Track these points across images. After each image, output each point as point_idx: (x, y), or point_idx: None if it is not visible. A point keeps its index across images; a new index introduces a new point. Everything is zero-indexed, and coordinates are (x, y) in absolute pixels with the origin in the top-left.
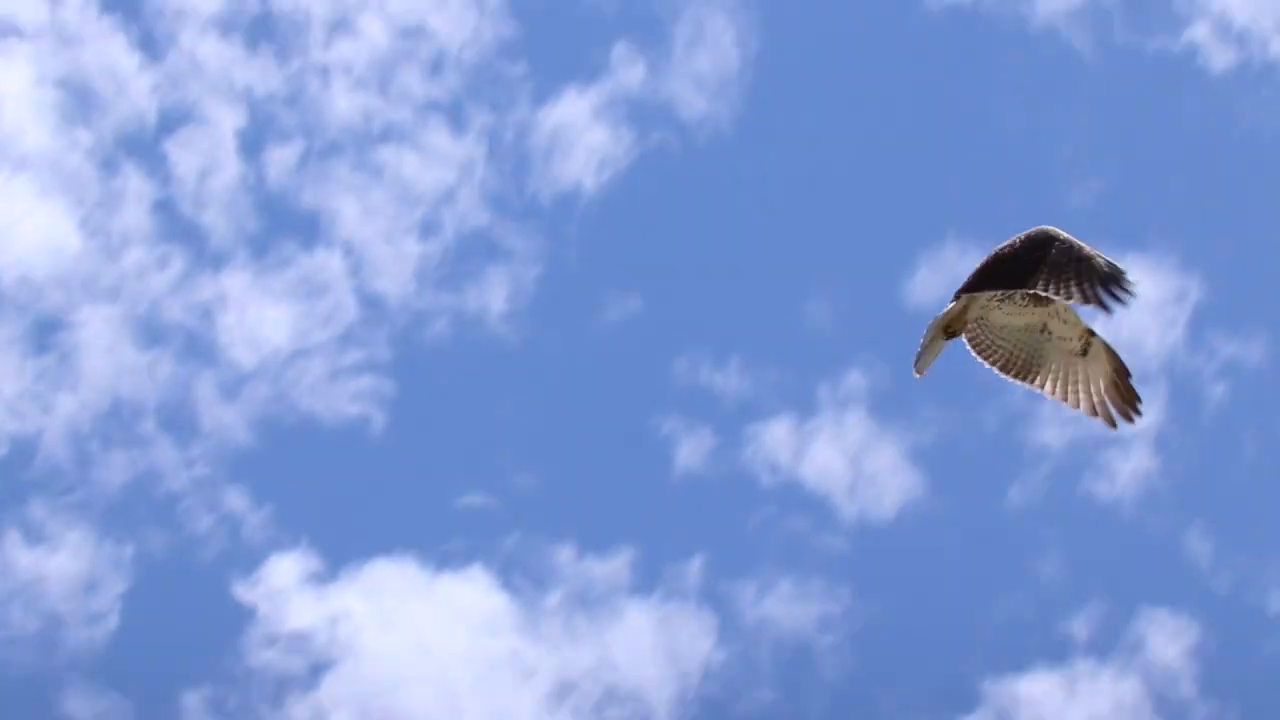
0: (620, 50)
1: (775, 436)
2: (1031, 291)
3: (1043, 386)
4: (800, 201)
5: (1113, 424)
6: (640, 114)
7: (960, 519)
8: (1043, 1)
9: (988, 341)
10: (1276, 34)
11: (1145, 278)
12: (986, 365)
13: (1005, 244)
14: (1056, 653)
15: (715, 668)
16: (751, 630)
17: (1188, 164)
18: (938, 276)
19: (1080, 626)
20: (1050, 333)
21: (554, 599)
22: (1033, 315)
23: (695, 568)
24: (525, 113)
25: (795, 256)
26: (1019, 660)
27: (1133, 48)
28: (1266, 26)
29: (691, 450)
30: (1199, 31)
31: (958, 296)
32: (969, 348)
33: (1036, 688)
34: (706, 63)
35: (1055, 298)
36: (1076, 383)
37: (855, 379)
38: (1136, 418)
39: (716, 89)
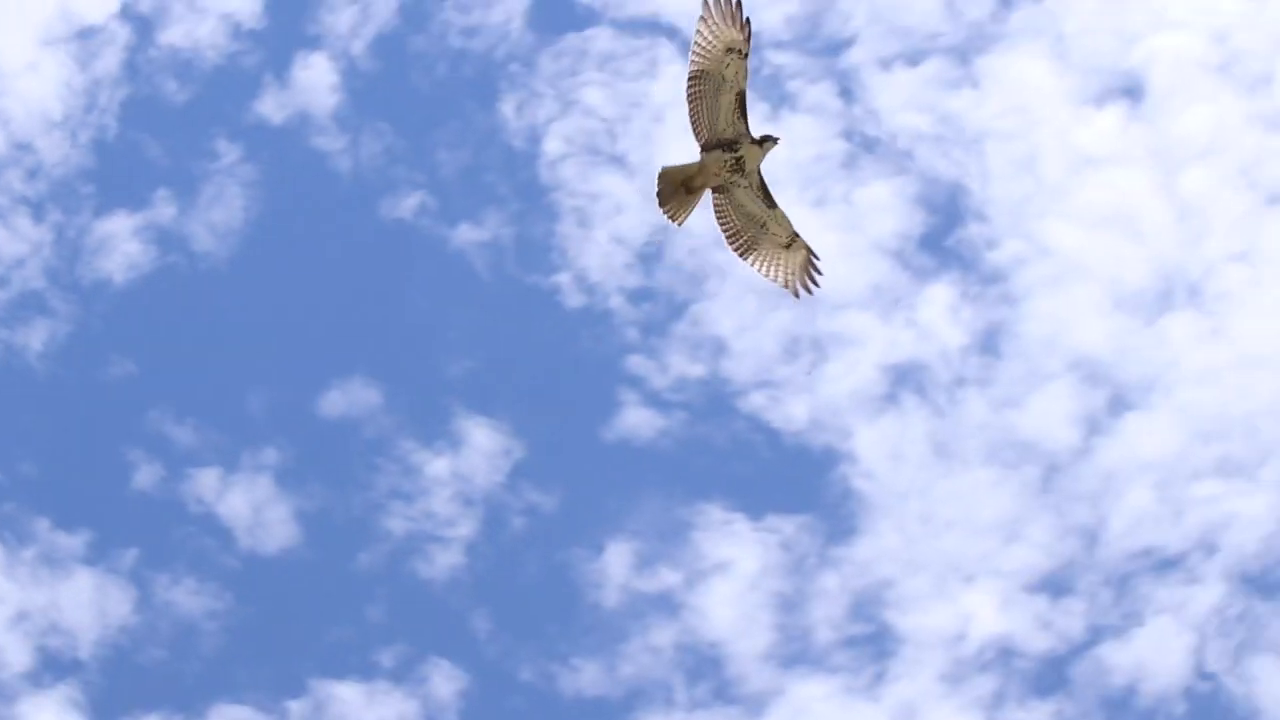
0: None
1: None
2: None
3: (753, 264)
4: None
5: (796, 295)
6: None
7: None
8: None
9: (727, 212)
10: None
11: None
12: (720, 229)
13: None
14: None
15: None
16: None
17: None
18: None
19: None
20: (766, 228)
21: None
22: (759, 209)
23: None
24: None
25: None
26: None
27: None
28: None
29: None
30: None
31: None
32: (713, 211)
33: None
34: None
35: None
36: (778, 266)
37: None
38: (815, 287)
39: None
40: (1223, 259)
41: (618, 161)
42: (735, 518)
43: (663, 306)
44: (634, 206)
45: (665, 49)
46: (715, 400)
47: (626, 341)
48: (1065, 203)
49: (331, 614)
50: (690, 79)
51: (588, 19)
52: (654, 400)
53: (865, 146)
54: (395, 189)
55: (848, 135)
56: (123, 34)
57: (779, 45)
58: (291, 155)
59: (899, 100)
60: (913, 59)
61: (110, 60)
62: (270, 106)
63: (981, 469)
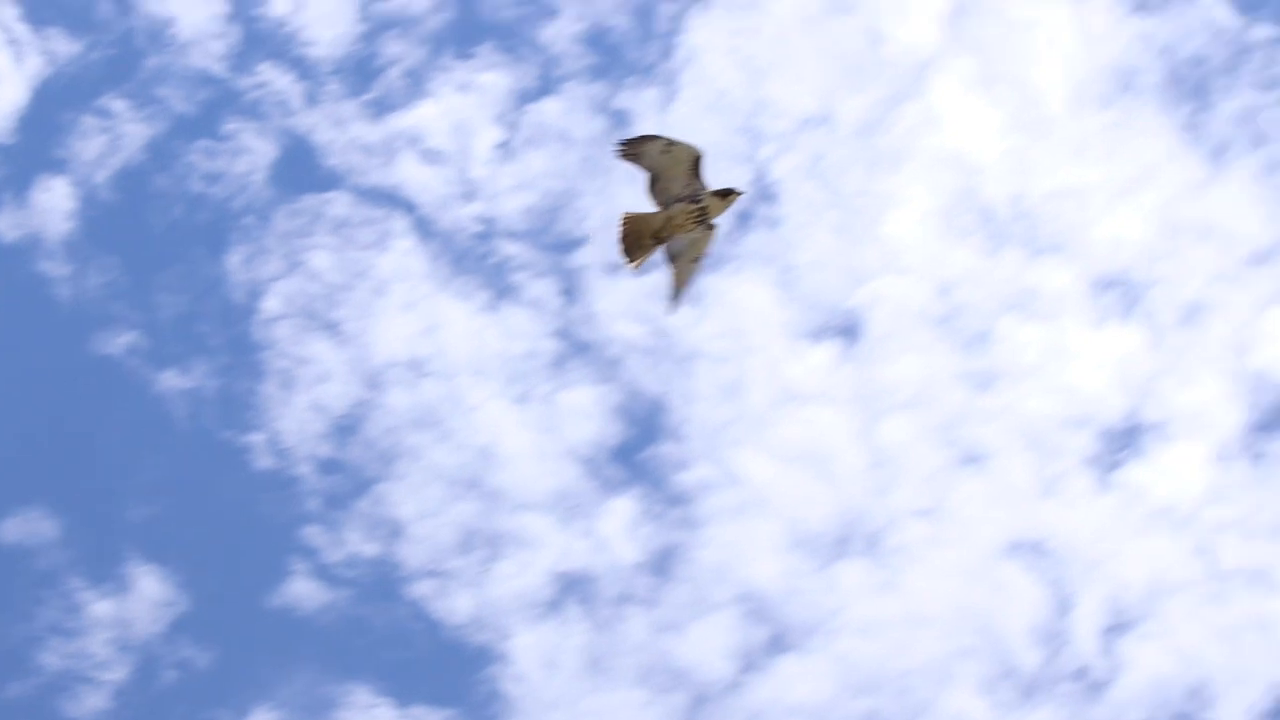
0: None
1: None
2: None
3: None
4: None
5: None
6: None
7: None
8: None
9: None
10: None
11: None
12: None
13: None
14: None
15: None
16: None
17: None
18: None
19: None
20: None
21: None
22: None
23: None
24: None
25: None
26: None
27: None
28: None
29: None
30: None
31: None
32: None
33: None
34: None
35: None
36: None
37: None
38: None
39: None
40: (907, 513)
41: (332, 329)
42: (382, 702)
43: (349, 481)
44: (340, 376)
45: (400, 222)
46: (383, 582)
47: (307, 511)
48: (763, 434)
49: None
50: (648, 178)
51: (329, 182)
52: (323, 573)
53: (577, 349)
54: (111, 324)
55: (562, 335)
56: None
57: (512, 235)
58: (15, 275)
59: (618, 307)
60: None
61: None
62: (4, 224)
63: (632, 690)
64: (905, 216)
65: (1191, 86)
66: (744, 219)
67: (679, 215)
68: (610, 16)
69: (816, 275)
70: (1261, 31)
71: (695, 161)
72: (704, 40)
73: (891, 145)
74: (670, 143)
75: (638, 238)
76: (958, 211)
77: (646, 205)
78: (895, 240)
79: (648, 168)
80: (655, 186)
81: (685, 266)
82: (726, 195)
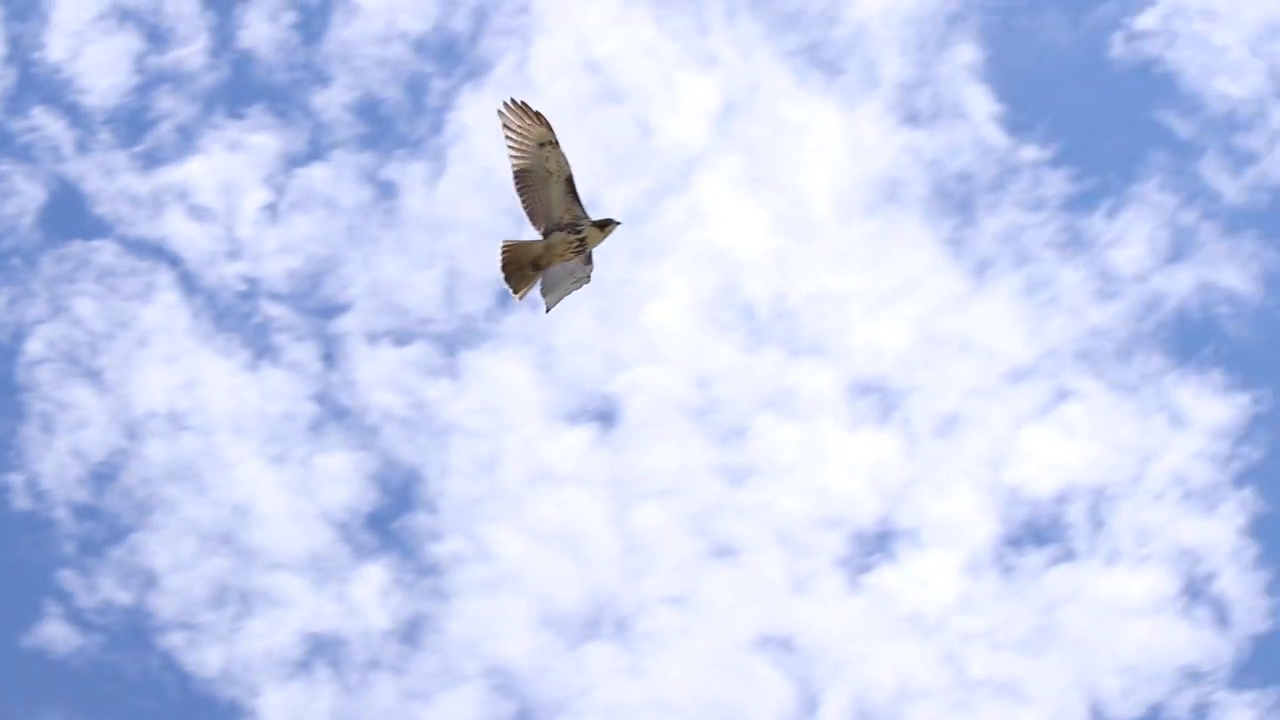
0: None
1: None
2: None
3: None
4: None
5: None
6: None
7: None
8: None
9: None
10: None
11: None
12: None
13: None
14: None
15: None
16: None
17: None
18: None
19: None
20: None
21: None
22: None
23: None
24: None
25: None
26: None
27: None
28: None
29: None
30: None
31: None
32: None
33: None
34: None
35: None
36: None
37: None
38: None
39: None
40: (658, 600)
41: (93, 376)
42: None
43: (105, 528)
44: (99, 423)
45: (165, 275)
46: (136, 631)
47: (63, 554)
48: (516, 512)
49: None
50: (516, 177)
51: (97, 230)
52: (76, 618)
53: (335, 414)
54: None
55: (320, 399)
56: None
57: (275, 296)
58: None
59: (378, 376)
60: (401, 339)
61: None
62: None
63: None
64: (667, 307)
65: (957, 201)
66: (505, 298)
67: (559, 245)
68: (383, 88)
69: (576, 358)
70: (1029, 153)
71: (570, 181)
72: (475, 118)
73: (656, 236)
74: (556, 142)
75: (518, 266)
76: (719, 307)
77: (524, 232)
78: (656, 330)
79: (523, 159)
80: (531, 197)
81: (563, 288)
82: (605, 225)
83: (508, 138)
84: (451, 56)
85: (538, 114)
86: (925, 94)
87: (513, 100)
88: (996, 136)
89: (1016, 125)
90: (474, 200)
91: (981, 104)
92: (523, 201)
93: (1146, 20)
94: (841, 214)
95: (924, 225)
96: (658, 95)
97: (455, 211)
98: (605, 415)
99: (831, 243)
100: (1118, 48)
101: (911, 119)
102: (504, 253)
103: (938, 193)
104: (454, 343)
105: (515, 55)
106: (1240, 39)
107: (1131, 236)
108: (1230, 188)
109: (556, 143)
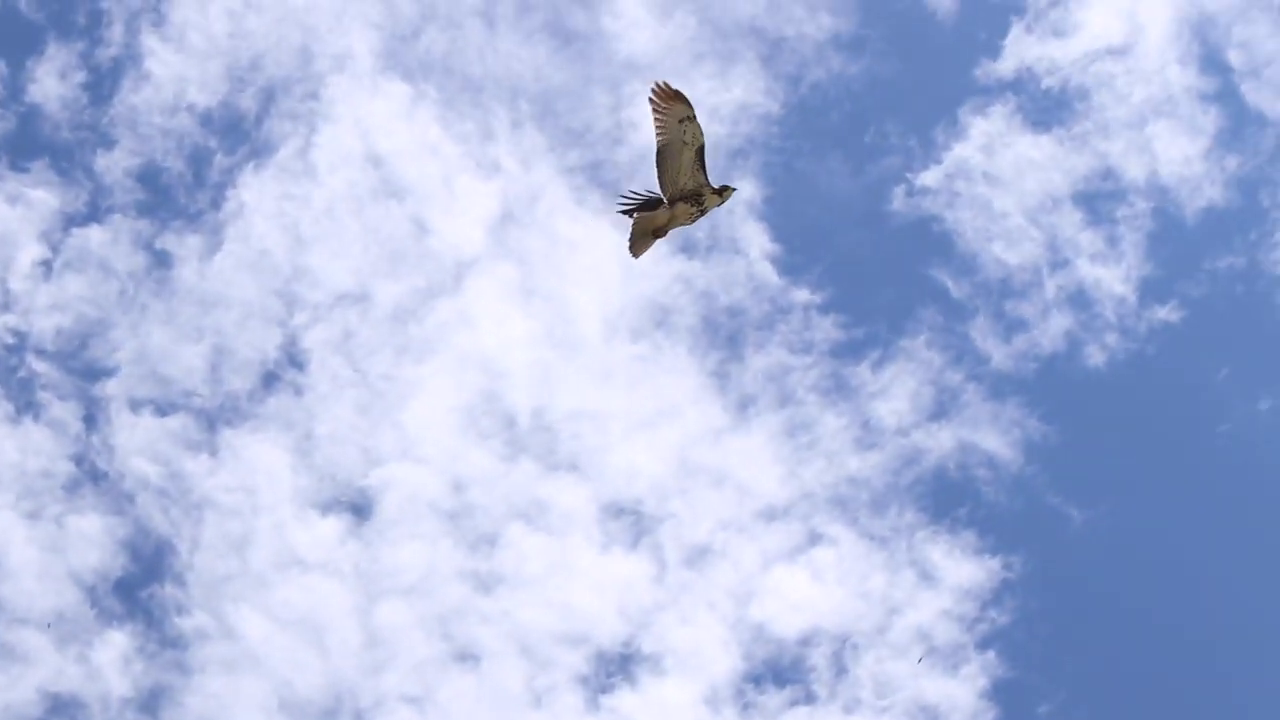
0: None
1: None
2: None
3: None
4: None
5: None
6: None
7: None
8: None
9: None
10: None
11: None
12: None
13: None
14: None
15: None
16: None
17: None
18: None
19: None
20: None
21: None
22: None
23: None
24: None
25: None
26: None
27: None
28: None
29: None
30: None
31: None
32: None
33: None
34: None
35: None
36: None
37: None
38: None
39: None
40: (396, 697)
41: None
42: None
43: None
44: None
45: None
46: None
47: None
48: (263, 594)
49: None
50: (657, 152)
51: None
52: None
53: (92, 477)
54: None
55: (79, 460)
56: None
57: (42, 353)
58: None
59: (138, 443)
60: (163, 409)
61: None
62: None
63: None
64: (428, 408)
65: (726, 336)
66: (269, 380)
67: (681, 214)
68: (166, 157)
69: (334, 449)
70: (801, 295)
71: (700, 150)
72: (254, 198)
73: (423, 336)
74: (693, 116)
75: (643, 233)
76: (480, 413)
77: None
78: (416, 429)
79: (664, 134)
80: (664, 167)
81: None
82: (723, 191)
83: (655, 117)
84: (237, 134)
85: (678, 92)
86: (703, 225)
87: (660, 83)
88: (770, 275)
89: (791, 266)
90: (246, 279)
91: (758, 241)
92: (658, 173)
93: (930, 178)
94: (609, 334)
95: (690, 355)
96: (437, 196)
97: (227, 288)
98: (358, 508)
99: (597, 362)
100: (899, 201)
101: (688, 249)
102: (635, 225)
103: (707, 324)
104: (215, 419)
105: (300, 140)
106: (1020, 207)
107: (896, 390)
108: (998, 352)
109: (694, 117)
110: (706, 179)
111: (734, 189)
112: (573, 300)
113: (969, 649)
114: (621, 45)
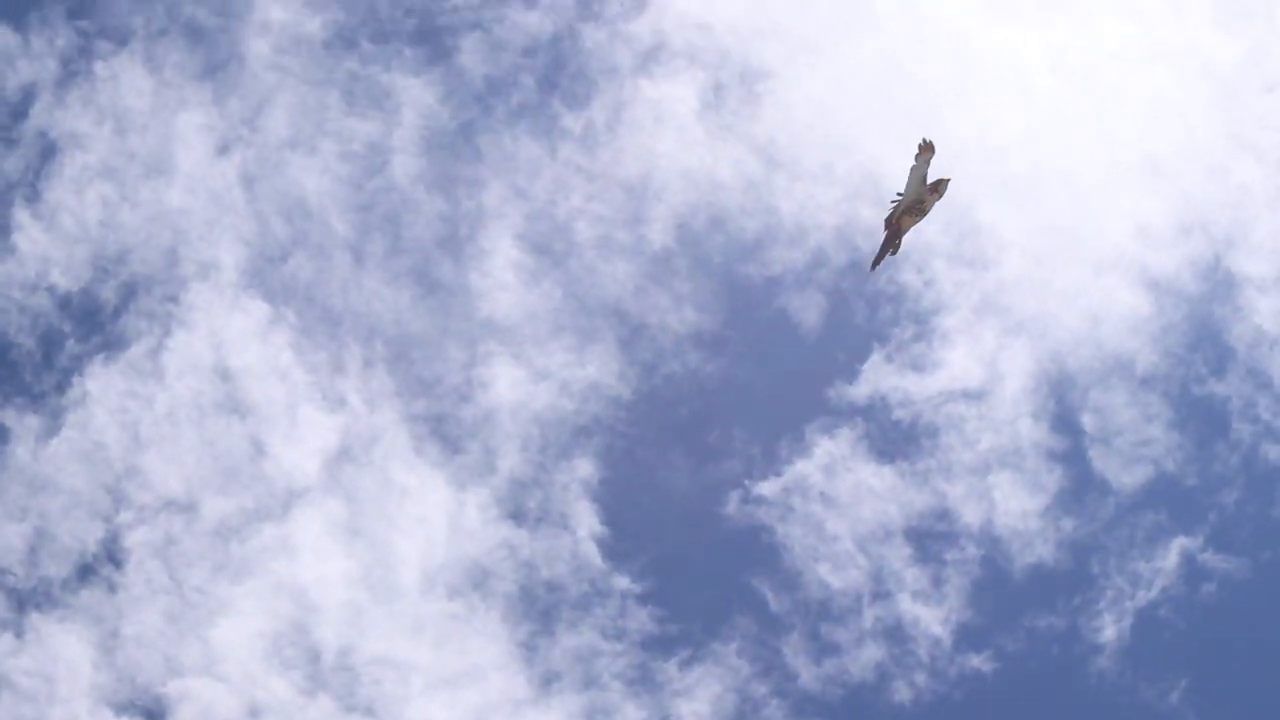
0: None
1: None
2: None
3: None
4: None
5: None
6: None
7: None
8: None
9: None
10: None
11: None
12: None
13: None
14: None
15: None
16: None
17: None
18: None
19: None
20: None
21: None
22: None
23: None
24: None
25: None
26: None
27: None
28: None
29: None
30: None
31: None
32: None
33: None
34: None
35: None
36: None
37: None
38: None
39: None
40: None
41: None
42: None
43: None
44: None
45: None
46: None
47: None
48: None
49: None
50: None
51: None
52: None
53: None
54: None
55: None
56: None
57: None
58: None
59: None
60: None
61: None
62: None
63: None
64: (236, 628)
65: (541, 609)
66: (85, 572)
67: (907, 223)
68: (19, 334)
69: (139, 651)
70: (621, 582)
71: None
72: (98, 390)
73: (243, 556)
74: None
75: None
76: (286, 642)
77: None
78: (220, 646)
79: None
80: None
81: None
82: (938, 186)
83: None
84: (92, 323)
85: (930, 143)
86: (536, 495)
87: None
88: (594, 557)
89: (615, 552)
90: (78, 468)
91: (587, 521)
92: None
93: (767, 488)
94: (426, 587)
95: (503, 622)
96: (279, 420)
97: (58, 474)
98: (152, 714)
99: (410, 611)
100: (733, 506)
101: (517, 515)
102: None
103: (524, 594)
104: (26, 601)
105: (153, 340)
106: (852, 532)
107: (700, 691)
108: (807, 672)
109: (932, 147)
110: (928, 189)
111: (948, 180)
112: (396, 547)
113: None
114: (484, 304)
